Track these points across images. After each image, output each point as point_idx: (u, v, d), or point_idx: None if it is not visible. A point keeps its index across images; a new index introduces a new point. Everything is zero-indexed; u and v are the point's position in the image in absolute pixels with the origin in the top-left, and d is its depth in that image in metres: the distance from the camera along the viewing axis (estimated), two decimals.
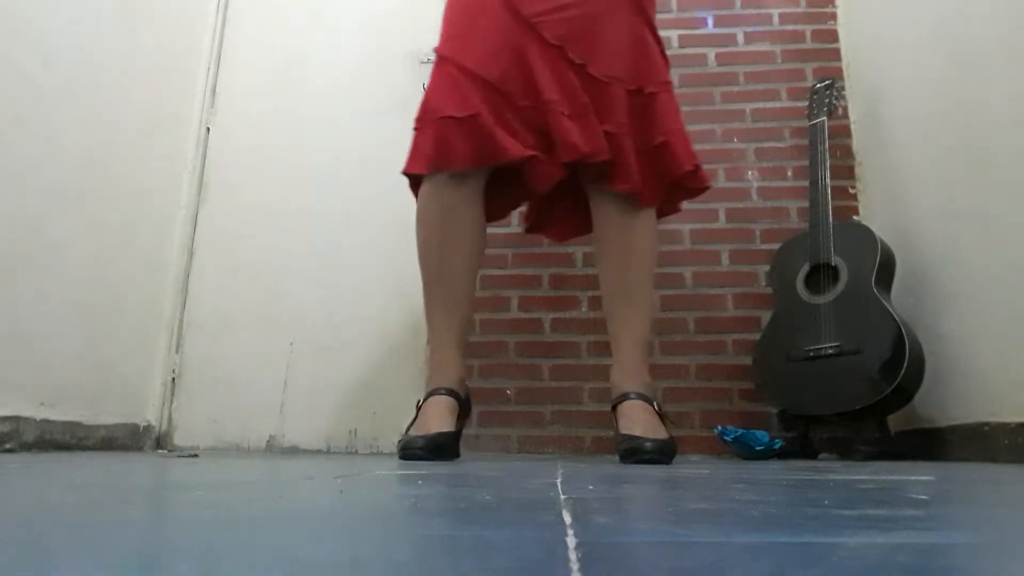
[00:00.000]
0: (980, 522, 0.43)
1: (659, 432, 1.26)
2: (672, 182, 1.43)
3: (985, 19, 1.43)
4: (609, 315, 1.43)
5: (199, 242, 2.11)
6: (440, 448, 1.23)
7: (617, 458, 1.32)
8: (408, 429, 1.30)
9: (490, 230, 2.07)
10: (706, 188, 1.50)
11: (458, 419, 1.33)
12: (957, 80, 1.54)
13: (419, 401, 1.34)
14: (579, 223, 1.60)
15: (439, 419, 1.27)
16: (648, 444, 1.21)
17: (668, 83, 1.44)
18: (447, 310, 1.38)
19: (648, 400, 1.32)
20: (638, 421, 1.28)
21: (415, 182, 1.44)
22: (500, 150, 1.31)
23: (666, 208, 1.55)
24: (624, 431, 1.27)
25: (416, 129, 1.40)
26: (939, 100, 1.62)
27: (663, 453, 1.22)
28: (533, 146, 1.33)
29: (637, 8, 1.42)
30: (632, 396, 1.31)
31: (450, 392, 1.32)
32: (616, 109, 1.35)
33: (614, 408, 1.34)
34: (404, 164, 1.41)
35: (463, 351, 1.41)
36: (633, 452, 1.22)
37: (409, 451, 1.21)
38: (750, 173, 2.06)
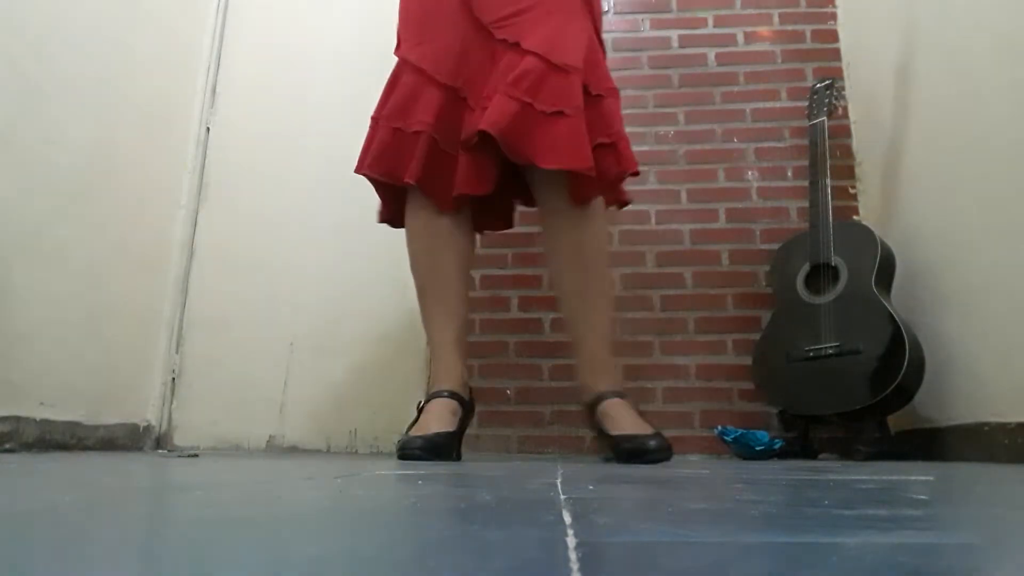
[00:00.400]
0: (980, 522, 0.43)
1: (650, 429, 1.26)
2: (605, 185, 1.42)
3: (985, 19, 1.43)
4: (569, 316, 1.43)
5: (199, 242, 2.11)
6: (439, 448, 1.22)
7: (608, 459, 1.31)
8: (408, 430, 1.30)
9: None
10: (627, 202, 1.61)
11: (460, 420, 1.33)
12: (957, 80, 1.54)
13: (419, 403, 1.35)
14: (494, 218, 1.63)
15: (439, 419, 1.27)
16: (652, 443, 1.21)
17: (615, 89, 1.45)
18: (443, 315, 1.40)
19: (624, 397, 1.33)
20: (627, 420, 1.27)
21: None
22: (407, 171, 1.35)
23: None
24: (618, 432, 1.26)
25: (370, 127, 1.45)
26: (939, 100, 1.62)
27: (666, 450, 1.22)
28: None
29: (588, 14, 1.42)
30: (610, 395, 1.31)
31: (452, 394, 1.32)
32: (573, 93, 1.30)
33: (591, 409, 1.33)
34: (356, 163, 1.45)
35: (462, 353, 1.41)
36: (638, 452, 1.21)
37: (408, 451, 1.21)
38: (750, 173, 2.06)
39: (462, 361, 1.40)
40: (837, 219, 1.71)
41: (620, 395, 1.33)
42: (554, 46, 1.31)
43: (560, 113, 1.27)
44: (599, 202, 1.42)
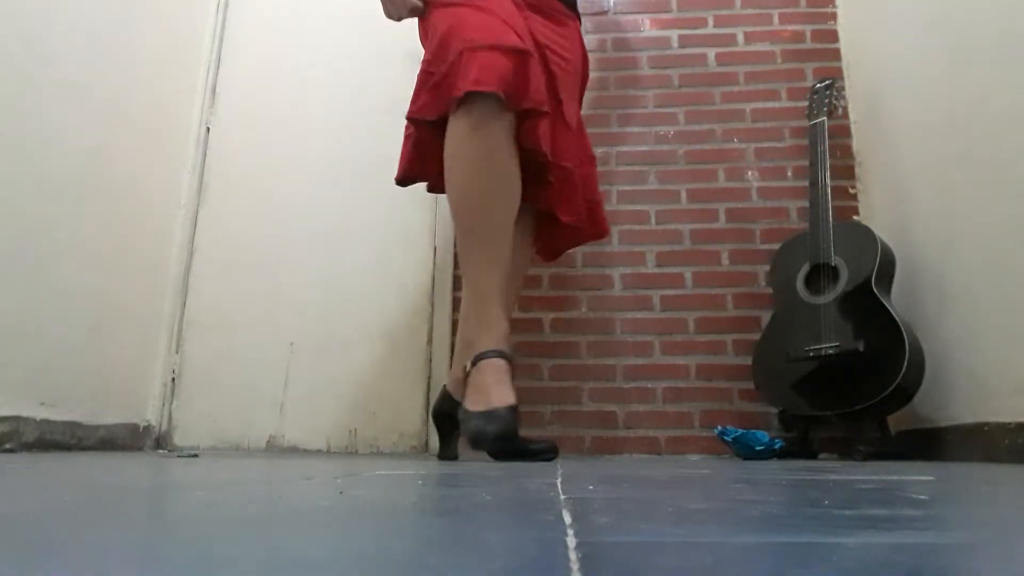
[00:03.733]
0: (980, 522, 0.43)
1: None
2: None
3: (985, 19, 1.43)
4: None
5: (199, 242, 2.11)
6: (513, 435, 1.15)
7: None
8: (464, 401, 1.21)
9: None
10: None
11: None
12: (957, 80, 1.54)
13: (467, 365, 1.23)
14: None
15: (500, 388, 1.17)
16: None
17: (595, 158, 1.64)
18: (490, 263, 1.26)
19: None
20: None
21: (422, 125, 1.37)
22: (536, 93, 1.29)
23: (548, 250, 1.74)
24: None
25: (437, 74, 1.31)
26: (939, 100, 1.62)
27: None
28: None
29: (582, 94, 1.64)
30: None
31: (501, 354, 1.22)
32: (578, 151, 1.52)
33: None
34: (462, 83, 1.25)
35: (507, 309, 1.31)
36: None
37: (482, 446, 1.14)
38: (750, 173, 2.06)
39: (507, 316, 1.29)
40: (837, 219, 1.71)
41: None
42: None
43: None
44: None
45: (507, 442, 1.16)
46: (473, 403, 1.20)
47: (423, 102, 1.33)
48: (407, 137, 1.44)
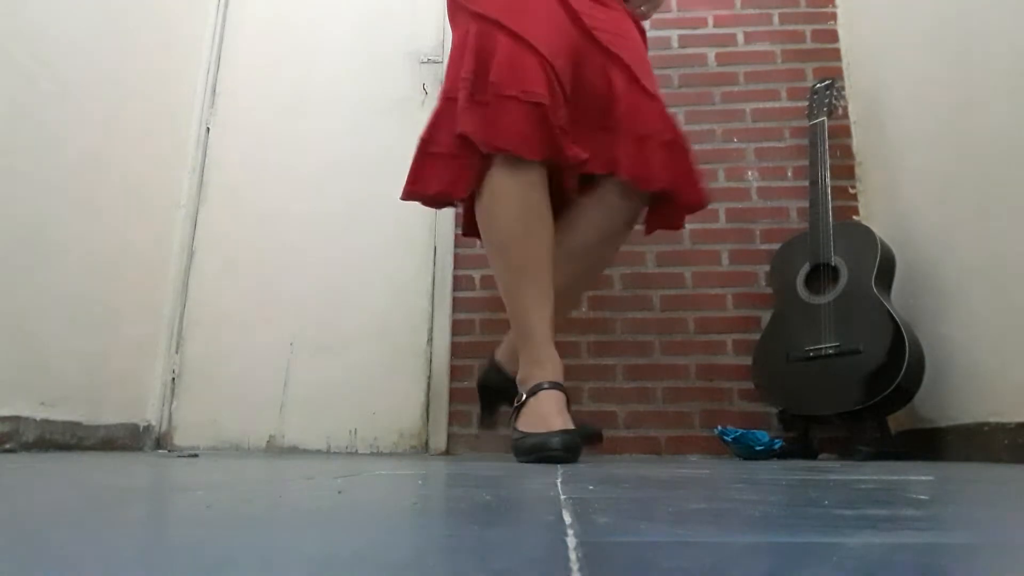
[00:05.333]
0: (980, 522, 0.43)
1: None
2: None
3: (984, 19, 1.43)
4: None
5: (199, 242, 2.11)
6: (577, 449, 1.18)
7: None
8: (516, 426, 1.24)
9: None
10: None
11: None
12: (957, 79, 1.54)
13: (522, 395, 1.27)
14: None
15: (561, 415, 1.20)
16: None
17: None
18: (539, 302, 1.30)
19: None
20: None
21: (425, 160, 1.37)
22: (565, 148, 1.29)
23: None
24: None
25: (480, 103, 1.29)
26: (939, 100, 1.62)
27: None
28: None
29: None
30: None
31: (556, 386, 1.25)
32: (668, 121, 1.39)
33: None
34: (484, 136, 1.28)
35: (553, 338, 1.35)
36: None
37: (550, 452, 1.14)
38: (750, 173, 2.06)
39: (555, 351, 1.32)
40: (837, 219, 1.71)
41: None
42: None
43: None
44: None
45: (573, 452, 1.17)
46: (534, 426, 1.21)
47: (473, 128, 1.30)
48: (449, 156, 1.37)
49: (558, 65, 1.29)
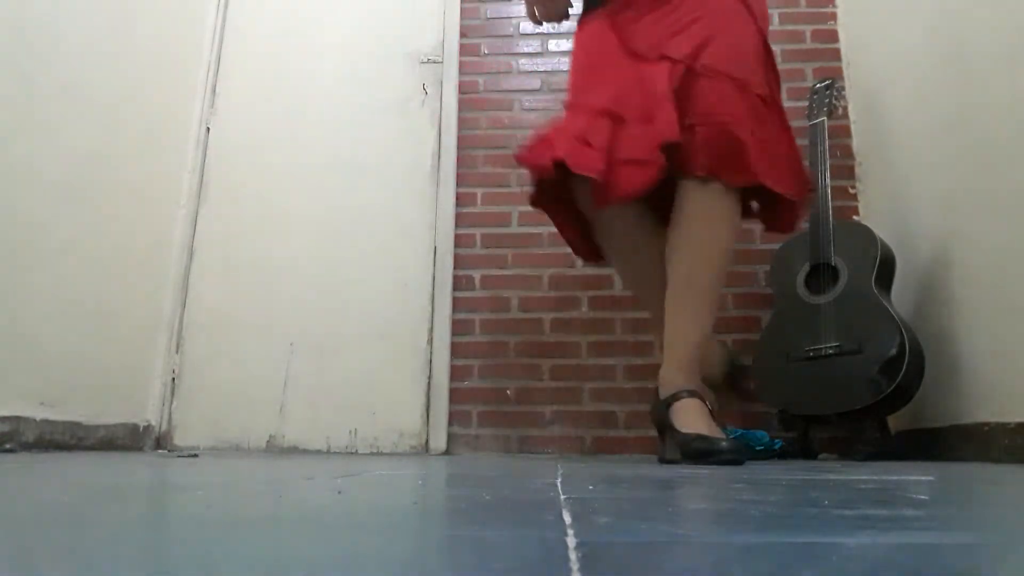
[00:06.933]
0: (980, 522, 0.43)
1: (721, 432, 1.24)
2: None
3: (984, 19, 1.43)
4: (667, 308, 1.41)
5: (199, 242, 2.11)
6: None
7: (668, 460, 1.29)
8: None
9: (490, 230, 2.08)
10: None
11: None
12: (957, 80, 1.54)
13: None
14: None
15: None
16: (724, 444, 1.19)
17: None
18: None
19: (701, 398, 1.30)
20: (701, 419, 1.25)
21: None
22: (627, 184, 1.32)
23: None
24: (688, 430, 1.24)
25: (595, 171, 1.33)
26: (939, 100, 1.62)
27: (739, 452, 1.20)
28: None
29: (751, 19, 1.46)
30: (685, 395, 1.28)
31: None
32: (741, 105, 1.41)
33: (668, 406, 1.30)
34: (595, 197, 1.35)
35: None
36: (709, 452, 1.18)
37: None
38: None
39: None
40: (837, 219, 1.71)
41: (698, 395, 1.30)
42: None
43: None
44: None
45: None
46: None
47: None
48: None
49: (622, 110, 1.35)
